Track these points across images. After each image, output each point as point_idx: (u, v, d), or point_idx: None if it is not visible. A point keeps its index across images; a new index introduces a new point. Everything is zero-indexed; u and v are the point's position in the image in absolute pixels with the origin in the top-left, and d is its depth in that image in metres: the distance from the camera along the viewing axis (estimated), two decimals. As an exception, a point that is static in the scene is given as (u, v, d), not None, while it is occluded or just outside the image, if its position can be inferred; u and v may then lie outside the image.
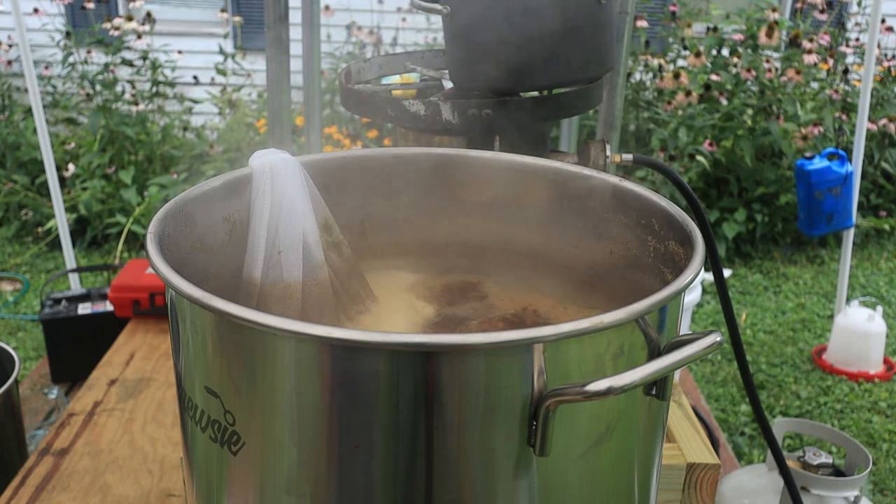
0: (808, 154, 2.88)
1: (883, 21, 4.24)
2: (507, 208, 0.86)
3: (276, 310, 0.75)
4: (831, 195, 2.78)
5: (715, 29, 4.18)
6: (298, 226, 0.75)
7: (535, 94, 1.08)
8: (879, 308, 2.92)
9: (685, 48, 4.30)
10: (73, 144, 4.25)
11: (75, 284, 2.79)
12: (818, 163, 2.79)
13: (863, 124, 2.71)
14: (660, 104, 4.22)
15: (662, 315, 0.59)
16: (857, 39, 4.62)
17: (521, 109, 1.03)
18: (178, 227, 0.71)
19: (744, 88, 4.11)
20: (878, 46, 4.20)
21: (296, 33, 1.44)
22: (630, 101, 4.25)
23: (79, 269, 2.83)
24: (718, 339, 0.56)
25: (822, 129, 3.92)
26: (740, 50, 4.14)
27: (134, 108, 4.15)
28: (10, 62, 4.68)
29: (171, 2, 5.53)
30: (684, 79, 3.89)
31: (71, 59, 4.26)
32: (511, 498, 0.57)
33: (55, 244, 3.90)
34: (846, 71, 4.32)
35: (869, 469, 1.60)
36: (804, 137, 3.88)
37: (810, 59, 3.95)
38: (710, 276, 3.01)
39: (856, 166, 2.76)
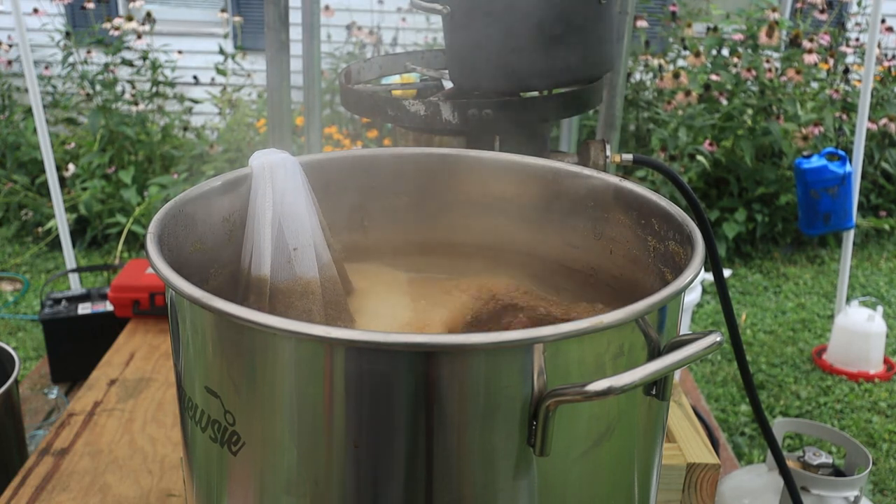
0: (806, 153, 2.88)
1: (883, 21, 4.24)
2: (507, 208, 0.86)
3: (300, 306, 0.75)
4: (828, 195, 2.78)
5: (715, 29, 4.18)
6: (307, 224, 0.76)
7: (535, 94, 1.08)
8: (879, 308, 2.92)
9: (685, 48, 4.30)
10: (73, 144, 4.25)
11: (75, 284, 2.79)
12: (815, 162, 2.79)
13: (863, 124, 2.71)
14: (660, 104, 4.22)
15: (662, 315, 0.59)
16: (857, 39, 4.62)
17: (521, 109, 1.03)
18: (178, 227, 0.71)
19: (744, 88, 4.11)
20: (878, 46, 4.20)
21: (296, 33, 1.44)
22: (630, 101, 4.25)
23: (79, 269, 2.83)
24: (718, 339, 0.56)
25: (822, 129, 3.92)
26: (740, 50, 4.14)
27: (134, 108, 4.15)
28: (10, 62, 4.68)
29: (171, 2, 5.53)
30: (684, 79, 3.89)
31: (71, 59, 4.26)
32: (511, 498, 0.57)
33: (55, 244, 3.90)
34: (846, 71, 4.32)
35: (869, 469, 1.60)
36: (804, 137, 3.88)
37: (810, 59, 3.95)
38: (710, 276, 3.01)
39: (856, 166, 2.76)
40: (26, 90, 2.66)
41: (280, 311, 0.74)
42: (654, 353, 0.59)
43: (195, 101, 4.50)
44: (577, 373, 0.54)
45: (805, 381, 2.97)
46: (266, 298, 0.74)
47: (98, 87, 4.13)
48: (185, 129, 4.47)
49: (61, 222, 2.71)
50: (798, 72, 4.00)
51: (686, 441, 1.01)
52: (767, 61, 4.08)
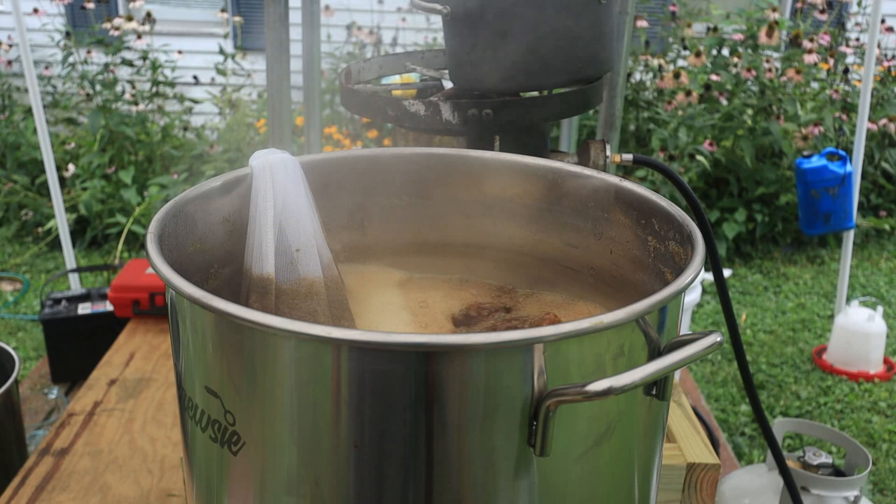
0: (806, 153, 2.88)
1: (883, 21, 4.24)
2: (507, 208, 0.86)
3: (305, 307, 0.75)
4: (828, 195, 2.78)
5: (715, 29, 4.18)
6: (308, 225, 0.76)
7: (535, 94, 1.08)
8: (879, 308, 2.92)
9: (685, 48, 4.30)
10: (73, 144, 4.25)
11: (75, 284, 2.79)
12: (815, 162, 2.79)
13: (863, 124, 2.71)
14: (660, 104, 4.22)
15: (662, 315, 0.59)
16: (857, 39, 4.62)
17: (521, 109, 1.03)
18: (178, 227, 0.71)
19: (744, 88, 4.11)
20: (878, 46, 4.20)
21: (296, 33, 1.44)
22: (630, 101, 4.25)
23: (79, 269, 2.83)
24: (718, 339, 0.56)
25: (822, 129, 3.92)
26: (740, 50, 4.14)
27: (134, 108, 4.15)
28: (10, 62, 4.68)
29: (171, 2, 5.53)
30: (684, 79, 3.89)
31: (71, 59, 4.26)
32: (511, 498, 0.57)
33: (55, 244, 3.90)
34: (846, 71, 4.32)
35: (869, 469, 1.60)
36: (804, 137, 3.89)
37: (810, 59, 3.95)
38: (710, 276, 3.01)
39: (856, 166, 2.76)
40: (26, 90, 2.66)
41: (285, 312, 0.74)
42: (655, 353, 0.59)
43: (195, 101, 4.50)
44: (577, 373, 0.54)
45: (805, 381, 2.97)
46: (272, 299, 0.74)
47: (98, 87, 4.13)
48: (185, 129, 4.47)
49: (61, 222, 2.71)
50: (798, 72, 4.00)
51: (686, 441, 1.01)
52: (767, 61, 4.08)
